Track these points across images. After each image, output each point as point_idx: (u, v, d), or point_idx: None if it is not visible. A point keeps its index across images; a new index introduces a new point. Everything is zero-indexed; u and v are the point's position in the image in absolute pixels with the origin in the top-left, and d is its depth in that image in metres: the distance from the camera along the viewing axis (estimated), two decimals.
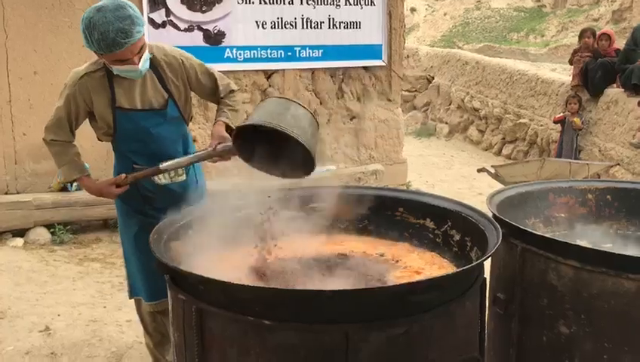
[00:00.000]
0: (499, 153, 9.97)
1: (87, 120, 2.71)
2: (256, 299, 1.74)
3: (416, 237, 2.55)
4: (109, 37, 2.38)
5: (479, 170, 6.95)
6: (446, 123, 11.67)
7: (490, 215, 2.56)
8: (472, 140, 10.82)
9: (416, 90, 12.77)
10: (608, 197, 3.03)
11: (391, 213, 2.64)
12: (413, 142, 10.71)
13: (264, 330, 1.73)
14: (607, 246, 2.71)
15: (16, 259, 4.54)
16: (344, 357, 1.66)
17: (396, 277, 2.17)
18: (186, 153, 2.80)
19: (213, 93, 2.85)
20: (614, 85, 7.83)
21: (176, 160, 2.64)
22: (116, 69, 2.53)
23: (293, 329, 1.69)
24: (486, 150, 10.33)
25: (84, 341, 3.31)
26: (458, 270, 1.82)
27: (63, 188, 5.14)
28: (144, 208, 2.74)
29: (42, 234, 5.04)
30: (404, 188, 6.86)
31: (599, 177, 6.19)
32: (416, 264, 2.34)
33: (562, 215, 3.16)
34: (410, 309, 1.75)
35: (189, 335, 1.90)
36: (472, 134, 10.85)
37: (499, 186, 7.52)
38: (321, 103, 6.57)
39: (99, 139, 2.79)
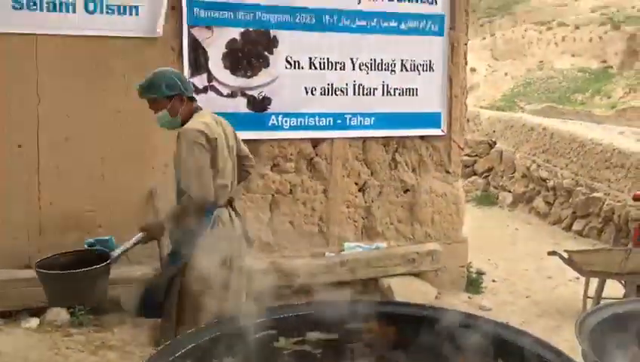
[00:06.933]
0: (569, 228, 9.10)
1: None
2: None
3: None
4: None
5: (550, 253, 6.14)
6: (509, 191, 10.87)
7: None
8: (539, 212, 9.97)
9: (476, 155, 12.09)
10: None
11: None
12: (472, 210, 9.93)
13: None
14: None
15: (25, 345, 4.05)
16: None
17: None
18: None
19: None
20: None
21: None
22: None
23: None
24: (554, 224, 9.48)
25: None
26: None
27: None
28: None
29: (60, 314, 4.55)
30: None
31: None
32: None
33: None
34: None
35: None
36: (539, 206, 10.00)
37: (568, 270, 6.67)
38: (372, 174, 6.02)
39: None
